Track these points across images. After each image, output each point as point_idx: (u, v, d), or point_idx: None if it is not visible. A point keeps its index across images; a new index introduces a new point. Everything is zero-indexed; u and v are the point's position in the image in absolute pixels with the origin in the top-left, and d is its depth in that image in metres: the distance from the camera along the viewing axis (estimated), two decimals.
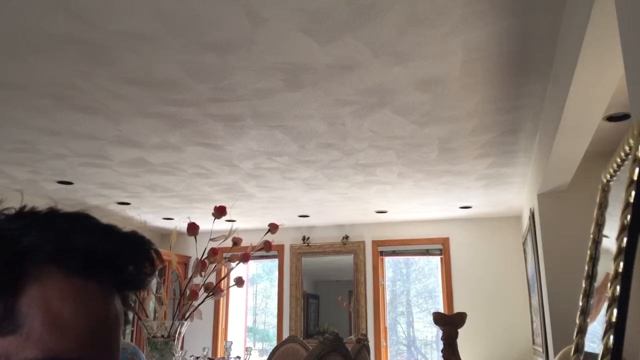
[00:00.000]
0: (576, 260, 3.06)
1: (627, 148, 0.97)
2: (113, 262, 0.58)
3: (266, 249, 2.43)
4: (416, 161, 3.82)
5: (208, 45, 2.15)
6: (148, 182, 4.42)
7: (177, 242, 2.40)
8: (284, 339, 4.91)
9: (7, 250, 0.54)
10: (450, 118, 2.98)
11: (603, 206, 1.22)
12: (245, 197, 4.95)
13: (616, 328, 0.90)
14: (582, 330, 1.26)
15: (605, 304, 0.95)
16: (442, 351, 3.25)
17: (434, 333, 8.80)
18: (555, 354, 3.18)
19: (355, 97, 2.68)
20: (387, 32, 2.06)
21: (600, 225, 1.24)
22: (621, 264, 0.92)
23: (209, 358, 4.17)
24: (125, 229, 0.61)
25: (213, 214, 2.39)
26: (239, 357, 4.09)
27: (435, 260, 6.62)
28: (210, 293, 2.26)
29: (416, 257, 8.38)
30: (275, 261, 6.67)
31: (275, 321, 6.57)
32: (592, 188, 1.37)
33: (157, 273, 0.64)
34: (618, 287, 0.92)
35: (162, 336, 2.06)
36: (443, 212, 5.66)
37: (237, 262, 2.39)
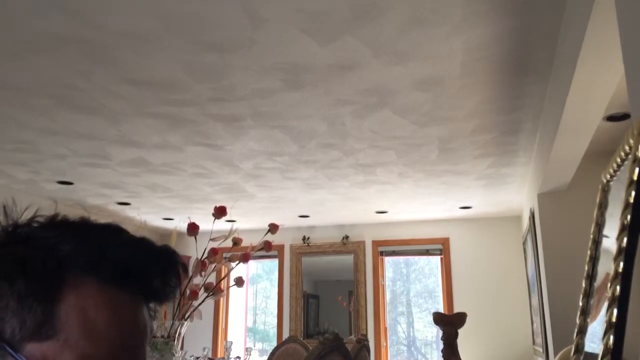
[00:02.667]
0: (576, 260, 3.06)
1: (627, 148, 0.97)
2: (145, 275, 0.60)
3: (266, 249, 2.43)
4: (416, 161, 3.82)
5: (208, 45, 2.15)
6: (148, 182, 4.42)
7: (177, 242, 2.40)
8: (284, 339, 4.91)
9: (45, 257, 0.55)
10: (450, 118, 2.98)
11: (603, 206, 1.22)
12: (246, 197, 4.95)
13: (616, 328, 0.90)
14: (582, 330, 1.26)
15: (605, 304, 0.95)
16: (442, 351, 3.24)
17: (434, 333, 8.80)
18: (555, 354, 3.18)
19: (355, 97, 2.68)
20: (387, 32, 2.06)
21: (600, 225, 1.24)
22: (621, 264, 0.92)
23: (209, 358, 4.17)
24: (157, 243, 0.63)
25: (213, 214, 2.39)
26: (239, 357, 4.09)
27: (435, 260, 6.62)
28: (210, 293, 2.26)
29: (416, 257, 8.37)
30: (275, 261, 6.67)
31: (275, 321, 6.56)
32: (592, 188, 1.37)
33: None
34: (618, 287, 0.92)
35: (162, 336, 2.06)
36: (443, 212, 5.66)
37: (237, 262, 2.39)
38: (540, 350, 4.03)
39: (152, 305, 0.64)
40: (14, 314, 0.54)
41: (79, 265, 0.56)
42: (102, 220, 0.63)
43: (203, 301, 2.23)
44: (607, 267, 1.08)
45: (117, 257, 0.58)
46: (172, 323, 2.09)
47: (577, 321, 1.28)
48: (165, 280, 0.62)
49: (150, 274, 0.61)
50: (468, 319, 3.29)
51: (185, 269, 0.66)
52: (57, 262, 0.55)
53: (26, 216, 0.60)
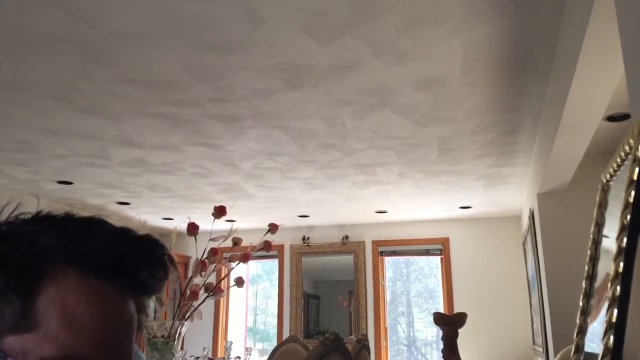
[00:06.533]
0: (576, 260, 3.06)
1: (627, 148, 0.97)
2: (127, 266, 0.58)
3: (266, 249, 2.43)
4: (416, 161, 3.82)
5: (208, 45, 2.15)
6: (148, 182, 4.41)
7: (177, 242, 2.40)
8: (284, 339, 4.91)
9: (25, 251, 0.55)
10: (450, 118, 2.98)
11: (603, 206, 1.22)
12: (245, 197, 4.95)
13: (616, 328, 0.90)
14: (582, 331, 1.26)
15: (606, 304, 0.95)
16: (442, 351, 3.24)
17: (434, 333, 8.80)
18: (555, 354, 3.18)
19: (355, 97, 2.68)
20: (387, 32, 2.06)
21: (600, 225, 1.24)
22: (621, 264, 0.92)
23: (209, 358, 4.17)
24: (140, 232, 0.62)
25: (213, 214, 2.39)
26: (239, 357, 4.09)
27: (435, 260, 6.62)
28: (211, 293, 2.26)
29: (416, 257, 8.38)
30: (276, 261, 6.67)
31: (275, 321, 6.57)
32: (592, 188, 1.37)
33: (169, 278, 0.64)
34: (618, 287, 0.92)
35: (162, 336, 2.06)
36: (443, 212, 5.66)
37: (237, 262, 2.39)
38: (540, 350, 4.03)
39: (140, 298, 0.63)
40: None
41: (59, 258, 0.55)
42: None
43: (203, 301, 2.23)
44: (607, 267, 1.08)
45: (98, 247, 0.57)
46: (172, 323, 2.09)
47: (577, 321, 1.28)
48: (150, 272, 0.60)
49: (133, 265, 0.59)
50: (468, 319, 3.28)
51: (172, 260, 0.64)
52: (37, 255, 0.55)
53: (9, 211, 0.59)
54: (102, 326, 0.55)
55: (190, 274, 2.23)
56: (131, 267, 0.59)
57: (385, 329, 6.18)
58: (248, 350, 4.16)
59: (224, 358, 4.10)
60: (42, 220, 0.59)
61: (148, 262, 0.60)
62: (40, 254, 0.55)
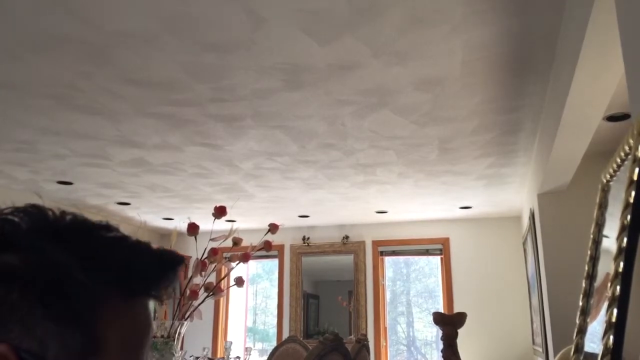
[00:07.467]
0: (576, 260, 3.06)
1: (627, 148, 0.97)
2: (161, 282, 0.63)
3: (266, 249, 2.43)
4: (416, 161, 3.82)
5: (208, 45, 2.15)
6: (148, 182, 4.41)
7: (177, 242, 2.40)
8: (284, 339, 4.91)
9: (75, 276, 0.55)
10: (450, 118, 2.98)
11: (603, 206, 1.22)
12: (246, 197, 4.95)
13: (616, 328, 0.90)
14: (582, 330, 1.26)
15: (605, 304, 0.95)
16: (442, 351, 3.24)
17: (434, 333, 8.80)
18: (555, 354, 3.18)
19: (355, 97, 2.68)
20: (387, 32, 2.06)
21: (600, 225, 1.24)
22: (621, 264, 0.92)
23: (208, 358, 4.17)
24: (155, 246, 0.65)
25: (213, 214, 2.39)
26: (238, 357, 4.09)
27: (435, 260, 6.62)
28: (210, 293, 2.26)
29: (416, 257, 8.38)
30: (276, 261, 6.67)
31: (275, 321, 6.57)
32: (592, 188, 1.37)
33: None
34: (618, 287, 0.92)
35: (162, 336, 2.06)
36: (443, 212, 5.66)
37: (237, 262, 2.39)
38: (540, 350, 4.03)
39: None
40: (53, 338, 0.52)
41: (106, 282, 0.57)
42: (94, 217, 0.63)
43: (203, 301, 2.23)
44: (607, 267, 1.08)
45: (139, 269, 0.60)
46: (172, 323, 2.09)
47: (577, 321, 1.28)
48: (172, 285, 0.64)
49: (162, 284, 0.63)
50: (468, 319, 3.29)
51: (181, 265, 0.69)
52: (87, 279, 0.55)
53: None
54: (144, 340, 0.60)
55: (190, 273, 2.23)
56: (160, 285, 0.63)
57: (385, 328, 6.18)
58: (248, 350, 4.16)
59: (223, 358, 4.11)
60: (65, 235, 0.58)
61: (173, 277, 0.64)
62: (89, 278, 0.56)
